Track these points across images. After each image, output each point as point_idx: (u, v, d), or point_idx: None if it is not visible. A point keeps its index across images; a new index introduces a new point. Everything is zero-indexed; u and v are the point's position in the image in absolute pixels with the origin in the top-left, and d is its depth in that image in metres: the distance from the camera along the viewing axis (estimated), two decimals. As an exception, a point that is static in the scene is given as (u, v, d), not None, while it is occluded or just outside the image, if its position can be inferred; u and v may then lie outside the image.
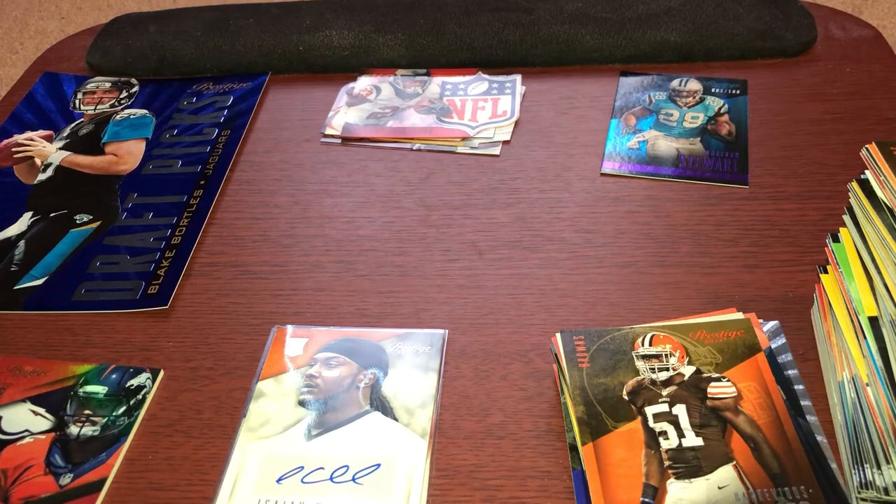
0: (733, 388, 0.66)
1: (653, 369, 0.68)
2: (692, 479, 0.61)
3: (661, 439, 0.63)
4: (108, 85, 1.13)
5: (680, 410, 0.65)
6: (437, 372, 0.74)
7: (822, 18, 1.12)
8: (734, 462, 0.62)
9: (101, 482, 0.68)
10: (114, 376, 0.76)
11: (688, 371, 0.68)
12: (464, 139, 0.99)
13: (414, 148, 0.99)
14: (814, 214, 0.86)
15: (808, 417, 0.66)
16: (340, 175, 0.96)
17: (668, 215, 0.87)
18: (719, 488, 0.60)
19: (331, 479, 0.66)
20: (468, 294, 0.81)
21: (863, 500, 0.59)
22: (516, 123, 1.01)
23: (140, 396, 0.74)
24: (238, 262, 0.87)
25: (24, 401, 0.74)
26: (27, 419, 0.73)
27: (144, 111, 1.08)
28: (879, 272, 0.63)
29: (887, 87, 1.01)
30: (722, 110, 0.99)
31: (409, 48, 1.10)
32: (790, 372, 0.69)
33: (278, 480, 0.66)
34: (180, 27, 1.15)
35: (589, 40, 1.08)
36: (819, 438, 0.64)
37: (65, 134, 1.06)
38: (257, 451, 0.69)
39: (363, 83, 1.09)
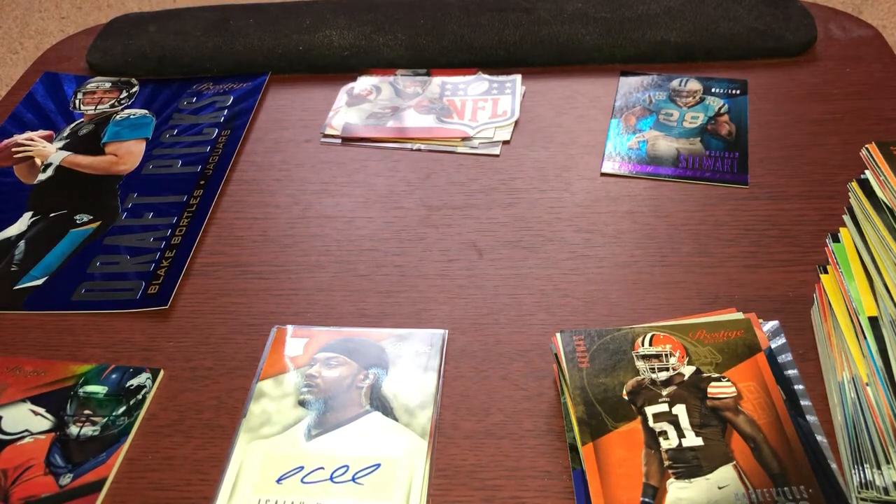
0: (733, 388, 0.66)
1: (653, 369, 0.68)
2: (692, 479, 0.61)
3: (661, 439, 0.63)
4: (108, 85, 1.13)
5: (680, 410, 0.65)
6: (437, 372, 0.74)
7: (822, 18, 1.12)
8: (734, 462, 0.62)
9: (101, 482, 0.68)
10: (114, 376, 0.76)
11: (688, 371, 0.68)
12: (464, 139, 0.99)
13: (414, 148, 0.99)
14: (814, 214, 0.86)
15: (808, 417, 0.66)
16: (340, 175, 0.96)
17: (668, 215, 0.87)
18: (719, 488, 0.60)
19: (331, 479, 0.66)
20: (468, 294, 0.81)
21: (863, 500, 0.59)
22: (516, 123, 1.01)
23: (140, 396, 0.74)
24: (238, 262, 0.87)
25: (24, 401, 0.74)
26: (27, 419, 0.73)
27: (144, 111, 1.08)
28: (879, 272, 0.63)
29: (887, 87, 1.01)
30: (722, 110, 0.99)
31: (409, 48, 1.10)
32: (790, 372, 0.69)
33: (278, 480, 0.66)
34: (180, 27, 1.15)
35: (589, 40, 1.08)
36: (819, 438, 0.64)
37: (65, 134, 1.06)
38: (257, 451, 0.69)
39: (363, 83, 1.09)
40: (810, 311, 0.76)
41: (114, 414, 0.73)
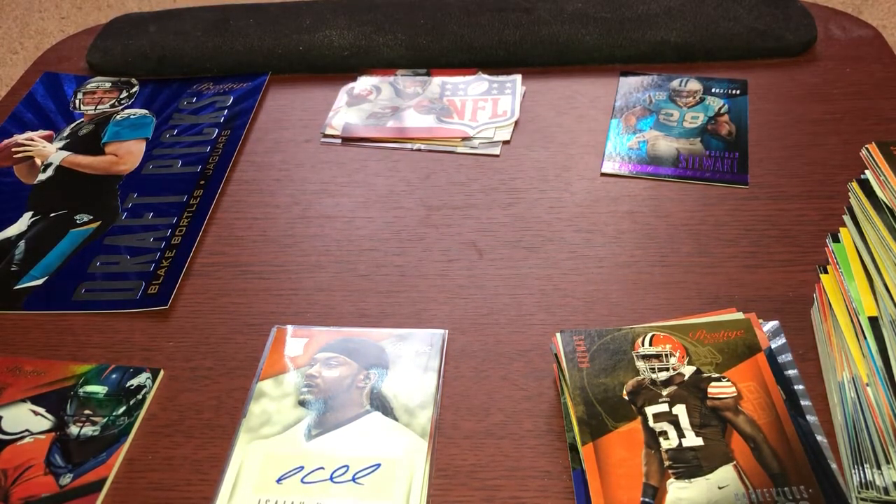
0: (733, 388, 0.66)
1: (653, 369, 0.68)
2: (692, 479, 0.61)
3: (661, 439, 0.63)
4: (108, 85, 1.13)
5: (680, 410, 0.65)
6: (437, 372, 0.74)
7: (822, 18, 1.12)
8: (734, 462, 0.62)
9: (101, 482, 0.68)
10: (114, 376, 0.76)
11: (688, 371, 0.68)
12: (464, 139, 0.99)
13: (414, 148, 0.99)
14: (814, 214, 0.86)
15: (808, 417, 0.66)
16: (340, 175, 0.96)
17: (668, 215, 0.87)
18: (719, 488, 0.60)
19: (331, 479, 0.66)
20: (468, 294, 0.81)
21: (863, 500, 0.59)
22: (516, 123, 1.01)
23: (140, 396, 0.74)
24: (238, 262, 0.87)
25: (24, 401, 0.74)
26: (27, 419, 0.73)
27: (144, 111, 1.08)
28: (879, 272, 0.63)
29: (887, 88, 1.01)
30: (722, 110, 0.99)
31: (409, 48, 1.10)
32: (790, 372, 0.69)
33: (278, 480, 0.66)
34: (180, 27, 1.15)
35: (589, 40, 1.08)
36: (819, 438, 0.64)
37: (65, 134, 1.06)
38: (257, 451, 0.69)
39: (363, 83, 1.09)
40: (810, 311, 0.76)
41: (114, 414, 0.73)
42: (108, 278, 0.86)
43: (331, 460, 0.67)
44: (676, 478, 0.61)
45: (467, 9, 1.13)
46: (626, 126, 0.99)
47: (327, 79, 1.11)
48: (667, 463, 0.62)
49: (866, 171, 0.67)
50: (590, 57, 1.08)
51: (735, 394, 0.66)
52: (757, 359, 0.68)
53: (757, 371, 0.67)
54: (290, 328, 0.79)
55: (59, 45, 1.24)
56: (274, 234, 0.90)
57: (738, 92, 1.02)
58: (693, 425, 0.64)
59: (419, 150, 0.99)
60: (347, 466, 0.67)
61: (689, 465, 0.62)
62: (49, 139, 1.05)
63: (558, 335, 0.71)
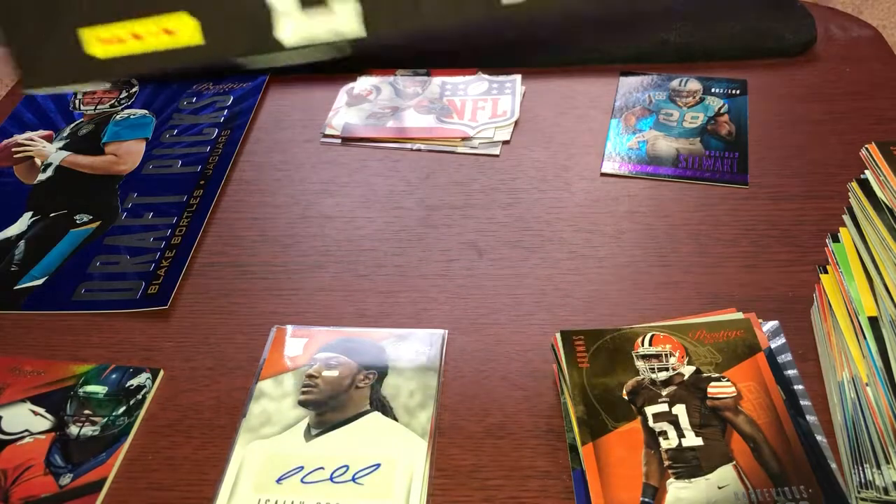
0: (733, 388, 0.66)
1: (653, 369, 0.68)
2: (692, 479, 0.61)
3: (660, 439, 0.63)
4: (108, 85, 1.13)
5: (680, 410, 0.65)
6: (437, 372, 0.74)
7: (822, 18, 1.12)
8: (734, 462, 0.62)
9: (101, 482, 0.68)
10: (114, 376, 0.76)
11: (688, 371, 0.68)
12: (464, 139, 0.99)
13: (414, 148, 0.99)
14: (814, 214, 0.86)
15: (808, 417, 0.66)
16: (340, 175, 0.96)
17: (668, 215, 0.87)
18: (719, 488, 0.60)
19: (331, 479, 0.66)
20: (468, 294, 0.81)
21: (863, 500, 0.59)
22: (516, 123, 1.01)
23: (140, 396, 0.74)
24: (238, 262, 0.87)
25: (24, 401, 0.74)
26: (27, 419, 0.73)
27: (144, 111, 1.08)
28: (879, 272, 0.63)
29: (887, 87, 1.01)
30: (722, 110, 0.99)
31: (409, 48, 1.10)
32: (790, 372, 0.69)
33: (278, 480, 0.66)
34: (180, 27, 1.15)
35: (589, 40, 1.07)
36: (819, 438, 0.64)
37: (65, 134, 1.06)
38: (257, 451, 0.69)
39: (363, 83, 1.09)
40: (810, 311, 0.76)
41: (114, 414, 0.73)
42: (107, 278, 0.86)
43: (331, 460, 0.67)
44: (676, 478, 0.61)
45: (467, 9, 1.13)
46: (626, 126, 0.99)
47: (327, 79, 1.11)
48: (666, 463, 0.62)
49: (866, 171, 0.67)
50: (590, 57, 1.08)
51: (735, 394, 0.66)
52: (757, 359, 0.68)
53: (757, 371, 0.67)
54: (290, 328, 0.79)
55: (59, 45, 1.23)
56: (274, 234, 0.90)
57: (738, 92, 1.02)
58: (693, 425, 0.64)
59: (419, 150, 0.99)
60: (347, 466, 0.67)
61: (689, 465, 0.62)
62: (49, 139, 1.05)
63: (558, 335, 0.71)
